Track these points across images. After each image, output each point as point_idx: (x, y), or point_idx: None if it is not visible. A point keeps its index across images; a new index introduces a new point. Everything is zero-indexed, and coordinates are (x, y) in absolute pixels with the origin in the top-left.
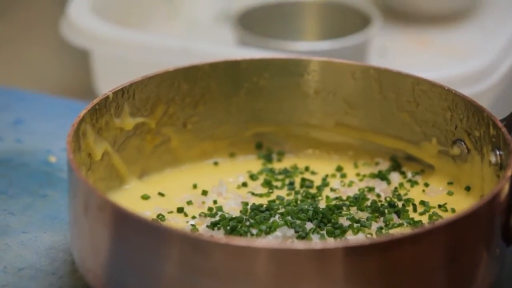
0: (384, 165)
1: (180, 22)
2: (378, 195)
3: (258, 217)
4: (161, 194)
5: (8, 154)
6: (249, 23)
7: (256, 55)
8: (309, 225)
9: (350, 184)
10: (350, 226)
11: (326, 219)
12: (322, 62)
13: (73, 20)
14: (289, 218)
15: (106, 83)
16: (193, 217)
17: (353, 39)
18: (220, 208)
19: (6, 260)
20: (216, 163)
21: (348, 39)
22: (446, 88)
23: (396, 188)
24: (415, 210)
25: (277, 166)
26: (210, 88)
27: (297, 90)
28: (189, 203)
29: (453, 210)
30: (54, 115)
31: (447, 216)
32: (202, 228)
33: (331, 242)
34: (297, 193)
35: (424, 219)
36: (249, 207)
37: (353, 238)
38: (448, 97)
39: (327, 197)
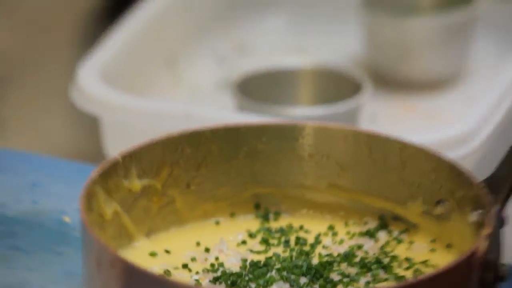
0: (372, 224)
1: (183, 88)
2: (366, 252)
3: (256, 273)
4: (167, 251)
5: (25, 215)
6: (248, 90)
7: (254, 120)
8: (303, 280)
9: (341, 242)
10: (340, 281)
11: (319, 274)
12: (316, 127)
13: (82, 87)
14: (284, 273)
15: (115, 147)
16: (197, 273)
17: (345, 105)
18: (221, 264)
19: None
20: (217, 223)
21: (341, 105)
22: (431, 151)
23: (383, 245)
24: (400, 266)
25: (274, 225)
26: (211, 151)
27: (293, 153)
28: (193, 259)
29: (434, 266)
30: (67, 177)
31: (429, 271)
32: (205, 282)
33: None
34: (292, 250)
35: (408, 274)
36: (248, 263)
37: None
38: (433, 160)
39: (320, 254)
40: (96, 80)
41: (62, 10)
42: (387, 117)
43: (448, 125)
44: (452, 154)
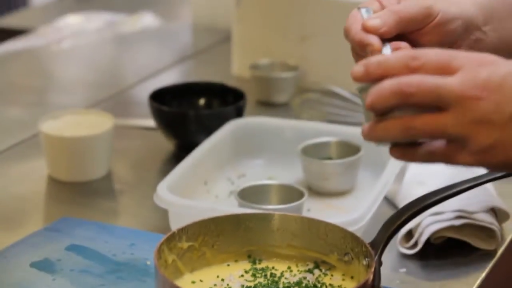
0: (311, 266)
1: (211, 195)
2: (308, 281)
3: None
4: (201, 281)
5: (127, 260)
6: (244, 196)
7: (248, 211)
8: None
9: (294, 275)
10: None
11: None
12: (279, 214)
13: (159, 194)
14: None
15: (175, 224)
16: None
17: (295, 204)
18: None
19: None
20: (228, 265)
21: (293, 205)
22: (340, 227)
23: (317, 277)
24: None
25: (258, 266)
26: (225, 227)
27: (268, 229)
28: (215, 285)
29: None
30: (149, 241)
31: None
32: None
33: None
34: (268, 280)
35: None
36: (245, 287)
37: None
38: (342, 232)
39: (283, 282)
40: (165, 190)
41: (152, 149)
42: (317, 210)
43: (349, 213)
44: (351, 229)
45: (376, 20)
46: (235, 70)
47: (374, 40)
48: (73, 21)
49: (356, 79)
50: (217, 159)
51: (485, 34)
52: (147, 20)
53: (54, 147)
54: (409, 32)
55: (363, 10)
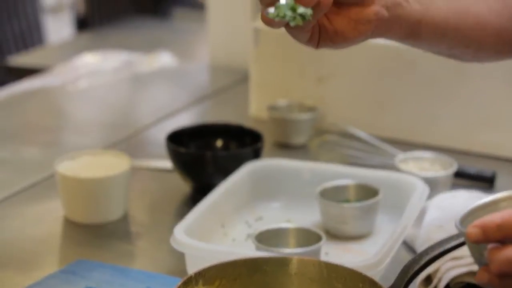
0: None
1: (228, 238)
2: None
3: None
4: None
5: None
6: (262, 239)
7: (265, 255)
8: None
9: None
10: None
11: None
12: (297, 258)
13: (175, 237)
14: None
15: (191, 267)
16: None
17: (312, 248)
18: None
19: None
20: None
21: (310, 248)
22: (359, 272)
23: None
24: None
25: None
26: (242, 272)
27: (285, 273)
28: None
29: None
30: (164, 284)
31: None
32: None
33: None
34: None
35: None
36: None
37: None
38: (360, 276)
39: None
40: (182, 233)
41: (169, 191)
42: (335, 254)
43: (367, 258)
44: (370, 273)
45: None
46: (253, 111)
47: None
48: (89, 60)
49: (473, 241)
50: (234, 202)
51: (408, 2)
52: (164, 59)
53: (70, 188)
54: None
55: None
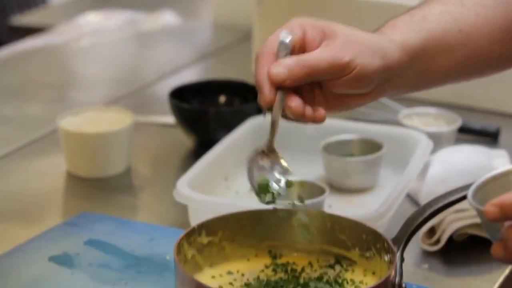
0: (332, 261)
1: (231, 191)
2: (329, 276)
3: None
4: (220, 275)
5: (146, 255)
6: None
7: (269, 208)
8: None
9: (315, 271)
10: None
11: None
12: (301, 210)
13: (178, 190)
14: None
15: (194, 219)
16: (236, 287)
17: (317, 201)
18: (250, 284)
19: None
20: (248, 259)
21: (314, 201)
22: (363, 223)
23: (338, 273)
24: (347, 284)
25: (279, 262)
26: (245, 223)
27: (289, 224)
28: (235, 280)
29: (366, 284)
30: (169, 236)
31: (364, 287)
32: None
33: None
34: (288, 275)
35: None
36: (264, 283)
37: None
38: (364, 228)
39: (303, 277)
40: (185, 186)
41: (172, 145)
42: (338, 206)
43: (371, 210)
44: (373, 225)
45: (282, 71)
46: None
47: (267, 92)
48: (92, 19)
49: (492, 219)
50: (237, 156)
51: (405, 77)
52: (167, 18)
53: (73, 143)
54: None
55: (282, 34)
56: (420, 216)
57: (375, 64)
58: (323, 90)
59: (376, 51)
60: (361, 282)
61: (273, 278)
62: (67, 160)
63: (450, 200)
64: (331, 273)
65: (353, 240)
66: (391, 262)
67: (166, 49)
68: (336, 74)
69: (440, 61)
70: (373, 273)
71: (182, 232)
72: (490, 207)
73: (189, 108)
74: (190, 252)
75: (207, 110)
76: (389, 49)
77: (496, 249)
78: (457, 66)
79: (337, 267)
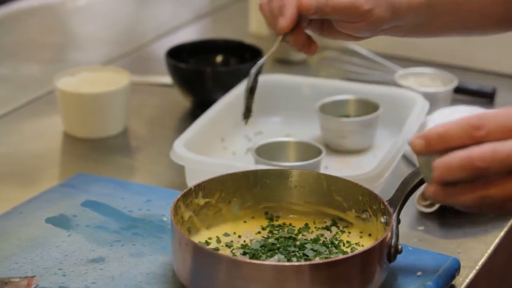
0: (328, 223)
1: (229, 152)
2: (326, 238)
3: (265, 250)
4: (217, 237)
5: (143, 216)
6: (261, 153)
7: (264, 168)
8: (291, 252)
9: (311, 232)
10: (312, 253)
11: (300, 250)
12: (298, 171)
13: (175, 151)
14: (281, 250)
15: (191, 181)
16: (233, 249)
17: (312, 161)
18: (246, 245)
19: (141, 268)
20: (245, 221)
21: (310, 161)
22: (359, 184)
23: (334, 234)
24: (344, 245)
25: (275, 223)
26: (242, 184)
27: (285, 185)
28: (231, 241)
29: (363, 246)
30: (166, 197)
31: (360, 249)
32: (238, 255)
33: (302, 262)
34: (285, 237)
35: (349, 250)
36: (260, 244)
37: (314, 260)
38: (360, 189)
39: (300, 239)
40: (182, 147)
41: (169, 106)
42: (335, 167)
43: (367, 171)
44: (370, 186)
45: (313, 2)
46: (253, 28)
47: (289, 16)
48: None
49: (417, 151)
50: (234, 117)
51: (405, 26)
52: None
53: (70, 103)
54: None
55: None
56: (416, 177)
57: (387, 17)
58: (325, 21)
59: (389, 5)
60: (357, 243)
61: (269, 240)
62: (64, 121)
63: None
64: (327, 235)
65: (349, 202)
66: (387, 223)
67: (164, 8)
68: (352, 18)
69: (443, 17)
70: (369, 234)
71: (179, 194)
72: (415, 139)
73: (185, 68)
74: (187, 214)
75: (204, 69)
76: (399, 4)
77: (426, 188)
78: (459, 24)
79: (334, 229)
